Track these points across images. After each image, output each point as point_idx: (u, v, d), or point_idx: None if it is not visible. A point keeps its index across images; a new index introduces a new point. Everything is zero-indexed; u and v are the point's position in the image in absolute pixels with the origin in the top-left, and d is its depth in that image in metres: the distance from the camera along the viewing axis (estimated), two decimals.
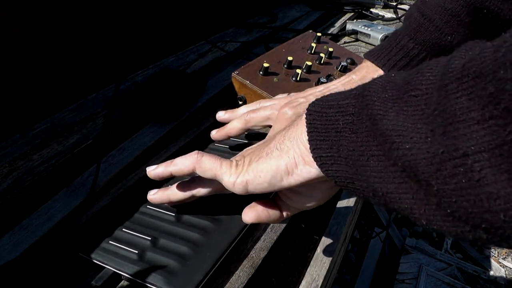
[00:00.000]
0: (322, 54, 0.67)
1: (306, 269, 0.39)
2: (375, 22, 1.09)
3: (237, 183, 0.30)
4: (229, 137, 0.47)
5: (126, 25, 0.78)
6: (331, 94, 0.26)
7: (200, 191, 0.35)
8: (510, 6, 0.41)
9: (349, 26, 1.01)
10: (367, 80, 0.24)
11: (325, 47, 0.72)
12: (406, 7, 1.24)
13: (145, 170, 0.35)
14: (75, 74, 0.68)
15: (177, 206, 0.40)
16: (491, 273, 1.55)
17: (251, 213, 0.33)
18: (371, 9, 1.20)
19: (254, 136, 0.53)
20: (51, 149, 0.50)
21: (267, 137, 0.38)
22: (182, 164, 0.33)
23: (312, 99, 0.28)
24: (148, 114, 0.58)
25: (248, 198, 0.33)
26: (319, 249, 0.41)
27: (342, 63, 0.66)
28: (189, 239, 0.37)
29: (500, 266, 1.61)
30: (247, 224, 0.38)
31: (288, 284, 0.37)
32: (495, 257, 1.66)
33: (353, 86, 0.25)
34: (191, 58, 0.78)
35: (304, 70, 0.62)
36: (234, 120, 0.46)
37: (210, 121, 0.59)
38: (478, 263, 1.60)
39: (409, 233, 1.73)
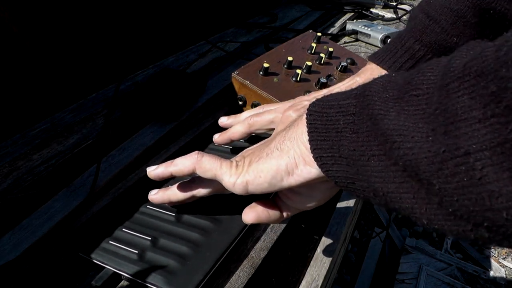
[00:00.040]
0: (322, 54, 0.67)
1: (306, 269, 0.39)
2: (375, 22, 1.09)
3: (237, 183, 0.30)
4: (232, 141, 0.46)
5: (126, 25, 0.78)
6: (331, 94, 0.26)
7: (200, 191, 0.35)
8: None
9: (349, 26, 1.02)
10: None
11: (325, 47, 0.72)
12: (406, 7, 1.24)
13: (145, 170, 0.35)
14: (75, 74, 0.68)
15: (177, 206, 0.40)
16: (491, 273, 1.55)
17: (251, 214, 0.33)
18: (371, 9, 1.20)
19: (255, 138, 0.52)
20: (51, 149, 0.50)
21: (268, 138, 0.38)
22: (182, 164, 0.33)
23: None
24: (148, 114, 0.58)
25: (248, 198, 0.33)
26: (319, 249, 0.41)
27: (342, 63, 0.66)
28: (189, 239, 0.37)
29: (500, 266, 1.61)
30: (247, 224, 0.38)
31: (288, 284, 0.37)
32: (495, 257, 1.66)
33: None
34: (191, 58, 0.78)
35: (304, 70, 0.62)
36: (237, 124, 0.45)
37: (210, 121, 0.59)
38: (478, 263, 1.60)
39: (409, 233, 1.73)
